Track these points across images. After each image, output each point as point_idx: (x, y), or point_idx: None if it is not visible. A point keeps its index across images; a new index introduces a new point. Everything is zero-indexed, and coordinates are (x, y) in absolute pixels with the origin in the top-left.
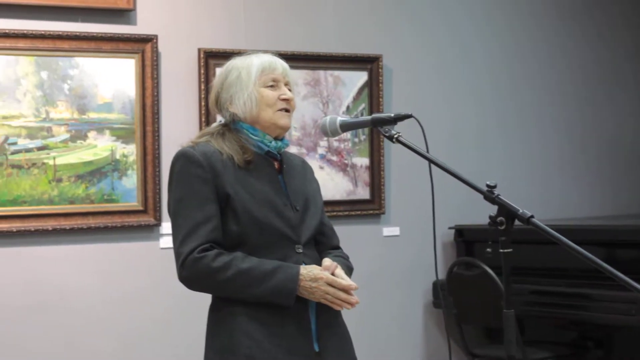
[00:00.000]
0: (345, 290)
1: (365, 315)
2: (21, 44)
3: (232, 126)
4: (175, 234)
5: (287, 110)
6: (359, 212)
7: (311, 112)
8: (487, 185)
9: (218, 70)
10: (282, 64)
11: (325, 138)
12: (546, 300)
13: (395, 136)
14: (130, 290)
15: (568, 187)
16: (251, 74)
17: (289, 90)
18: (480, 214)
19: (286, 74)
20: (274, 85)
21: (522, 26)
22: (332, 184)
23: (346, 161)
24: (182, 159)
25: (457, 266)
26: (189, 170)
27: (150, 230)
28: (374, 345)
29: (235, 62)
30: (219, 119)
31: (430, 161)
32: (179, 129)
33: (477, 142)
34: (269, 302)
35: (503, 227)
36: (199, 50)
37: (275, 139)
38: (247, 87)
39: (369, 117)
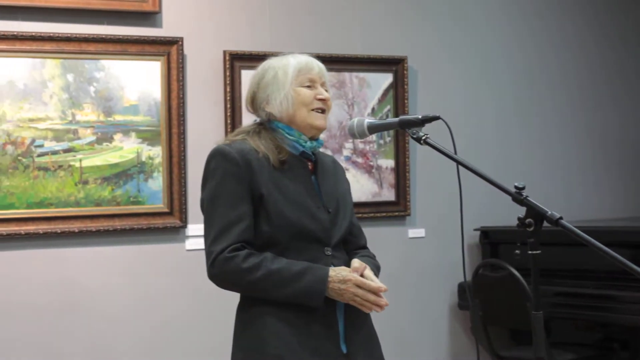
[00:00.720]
0: (375, 292)
1: (390, 316)
2: (47, 46)
3: (268, 125)
4: (207, 232)
5: (322, 111)
6: (384, 214)
7: (336, 114)
8: (516, 187)
9: (243, 72)
10: (318, 65)
11: (351, 140)
12: (572, 302)
13: (423, 138)
14: (156, 291)
15: (589, 189)
16: (288, 74)
17: (325, 90)
18: (505, 215)
19: (322, 74)
20: (310, 85)
21: (543, 28)
22: (357, 186)
23: (371, 163)
24: (218, 156)
25: (483, 268)
26: (224, 167)
27: (176, 232)
28: (400, 347)
29: (271, 62)
30: (246, 120)
31: (459, 163)
32: (205, 131)
33: (499, 144)
34: (298, 303)
35: (531, 229)
36: (224, 52)
37: (310, 139)
38: (284, 87)
39: (396, 119)
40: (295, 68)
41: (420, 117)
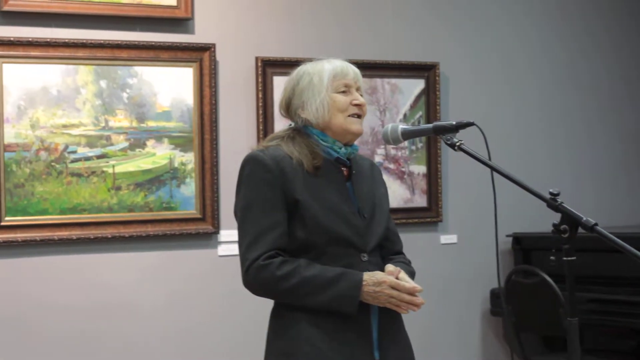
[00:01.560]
0: (410, 292)
1: (422, 323)
2: (80, 53)
3: (303, 131)
4: (241, 239)
5: (358, 116)
6: (416, 220)
7: (368, 120)
8: (550, 193)
9: (275, 79)
10: (353, 70)
11: (383, 146)
12: (606, 309)
13: (458, 144)
14: (188, 297)
15: (619, 194)
16: (323, 79)
17: (361, 95)
18: (535, 221)
19: (358, 79)
20: (345, 90)
21: (571, 33)
22: (389, 192)
23: (403, 169)
24: (252, 163)
25: (515, 274)
26: (257, 174)
27: (208, 237)
28: (432, 353)
29: (306, 68)
30: (278, 125)
31: (493, 169)
32: (237, 137)
33: (528, 149)
34: (333, 309)
35: (567, 235)
36: (257, 58)
37: (346, 144)
38: (320, 93)
39: (430, 125)
40: (331, 73)
41: (454, 123)
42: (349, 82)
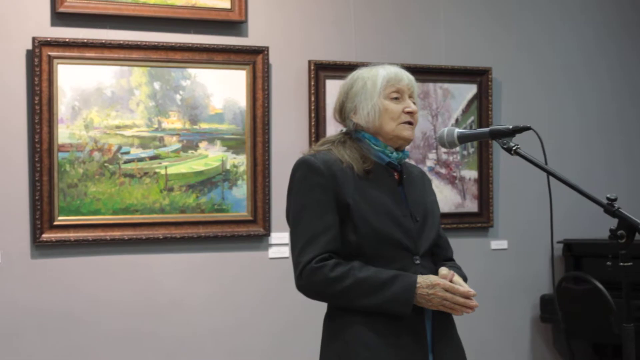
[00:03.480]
0: (464, 296)
1: (472, 328)
2: (135, 54)
3: (354, 135)
4: (294, 242)
5: (410, 123)
6: (467, 225)
7: (420, 125)
8: (608, 198)
9: (328, 82)
10: (407, 76)
11: (434, 150)
12: None
13: (514, 148)
14: (238, 299)
15: None
16: (377, 85)
17: (413, 102)
18: (586, 228)
19: (412, 85)
20: (398, 97)
21: (629, 38)
22: (440, 197)
23: (454, 174)
24: (303, 167)
25: (566, 281)
26: (309, 178)
27: (259, 240)
28: (482, 359)
29: (361, 72)
30: (330, 129)
31: (550, 174)
32: (289, 140)
33: (582, 155)
34: (386, 311)
35: (623, 241)
36: (309, 62)
37: (396, 149)
38: (372, 98)
39: (487, 129)
40: (384, 79)
41: (510, 127)
42: (402, 88)
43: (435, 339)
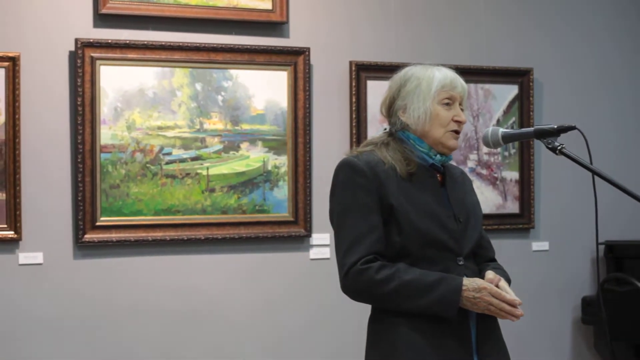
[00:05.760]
0: (510, 304)
1: (513, 330)
2: (177, 55)
3: (398, 135)
4: (338, 244)
5: (457, 132)
6: (508, 227)
7: None
8: None
9: (369, 83)
10: (461, 83)
11: (475, 151)
12: None
13: (559, 148)
14: (280, 300)
15: None
16: (431, 88)
17: (462, 110)
18: (628, 230)
19: (464, 93)
20: (449, 103)
21: None
22: (481, 198)
23: (496, 175)
24: (346, 168)
25: (608, 282)
26: (352, 179)
27: (300, 241)
28: None
29: (415, 71)
30: (371, 130)
31: (596, 173)
32: (330, 141)
33: (623, 156)
34: (432, 313)
35: None
36: (351, 62)
37: (439, 153)
38: (425, 101)
39: (531, 129)
40: (440, 83)
41: (555, 127)
42: (455, 95)
43: (479, 341)
